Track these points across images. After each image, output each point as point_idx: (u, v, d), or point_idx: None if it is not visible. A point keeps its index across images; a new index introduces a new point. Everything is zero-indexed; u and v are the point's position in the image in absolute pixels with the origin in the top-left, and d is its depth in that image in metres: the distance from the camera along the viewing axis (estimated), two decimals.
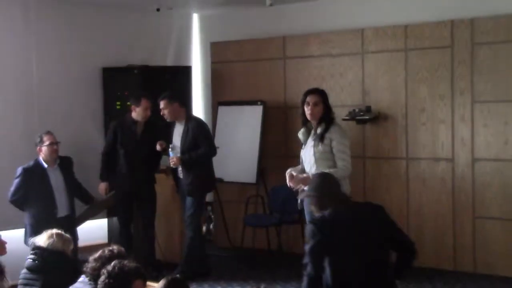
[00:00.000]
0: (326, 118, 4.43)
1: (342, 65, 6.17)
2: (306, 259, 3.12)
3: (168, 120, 5.43)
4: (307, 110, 4.41)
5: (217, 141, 6.38)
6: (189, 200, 5.41)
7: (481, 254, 5.58)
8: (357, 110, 5.94)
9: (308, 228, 3.19)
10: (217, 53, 6.87)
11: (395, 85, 5.90)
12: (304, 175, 4.21)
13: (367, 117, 5.88)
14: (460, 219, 5.63)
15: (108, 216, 6.00)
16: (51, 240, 3.52)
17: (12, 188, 4.95)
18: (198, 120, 5.55)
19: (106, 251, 2.99)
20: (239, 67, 6.74)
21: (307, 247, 3.14)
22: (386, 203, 5.44)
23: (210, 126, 6.72)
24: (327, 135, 4.37)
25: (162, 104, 5.38)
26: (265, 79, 6.59)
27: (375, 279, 3.08)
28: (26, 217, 4.97)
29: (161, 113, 5.39)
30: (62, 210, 5.02)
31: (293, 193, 4.68)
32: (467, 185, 5.60)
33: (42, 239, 3.56)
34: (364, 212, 3.27)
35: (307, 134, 4.53)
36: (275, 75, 6.54)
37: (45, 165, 5.01)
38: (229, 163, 6.39)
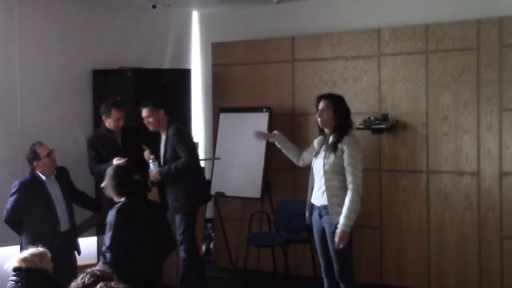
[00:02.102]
0: (340, 126, 4.39)
1: (356, 69, 6.12)
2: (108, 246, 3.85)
3: (151, 129, 5.36)
4: (317, 117, 4.46)
5: (218, 151, 6.47)
6: (177, 218, 5.34)
7: (509, 278, 5.54)
8: (372, 118, 5.91)
9: (111, 214, 3.91)
10: (219, 55, 6.82)
11: (414, 91, 5.85)
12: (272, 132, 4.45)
13: (383, 126, 5.84)
14: (486, 239, 5.59)
15: (98, 233, 5.93)
16: (29, 258, 3.50)
17: (9, 206, 4.85)
18: (176, 126, 5.37)
19: (88, 275, 2.88)
20: (243, 71, 6.69)
21: (109, 234, 3.85)
22: (404, 220, 5.84)
23: (210, 134, 6.81)
24: (340, 146, 4.35)
25: (145, 112, 5.31)
26: (272, 83, 6.55)
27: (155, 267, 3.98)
28: (23, 236, 4.88)
29: (144, 122, 5.34)
30: (64, 224, 4.98)
31: (301, 210, 4.68)
32: (494, 202, 5.55)
33: (19, 259, 3.53)
34: (152, 207, 4.13)
35: (322, 144, 4.55)
36: (283, 80, 6.49)
37: (43, 177, 4.95)
38: (231, 175, 6.38)
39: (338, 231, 4.17)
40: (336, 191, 4.33)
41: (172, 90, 6.20)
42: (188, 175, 5.25)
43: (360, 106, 6.03)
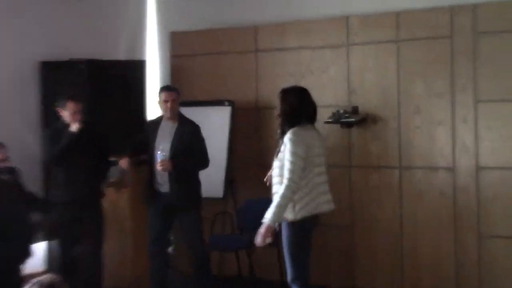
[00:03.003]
0: (285, 120, 4.37)
1: (323, 60, 6.13)
2: None
3: (167, 116, 5.40)
4: None
5: None
6: (189, 216, 5.40)
7: (487, 278, 5.55)
8: (341, 111, 5.90)
9: None
10: (178, 45, 6.81)
11: (385, 82, 5.87)
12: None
13: (353, 120, 5.85)
14: (462, 238, 5.60)
15: (47, 238, 5.79)
16: None
17: None
18: (196, 124, 5.51)
19: (35, 286, 2.82)
20: (203, 62, 6.67)
21: None
22: (376, 219, 5.87)
23: None
24: (283, 141, 4.32)
25: (174, 95, 5.38)
26: (234, 75, 6.55)
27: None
28: None
29: (164, 107, 5.39)
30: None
31: (267, 209, 4.59)
32: (471, 198, 5.57)
33: None
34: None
35: None
36: (246, 71, 6.50)
37: None
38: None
39: (261, 226, 4.19)
40: (278, 188, 4.32)
41: (127, 83, 6.12)
42: (193, 175, 5.47)
43: (328, 99, 6.00)
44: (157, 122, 5.53)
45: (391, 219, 5.86)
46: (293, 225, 4.30)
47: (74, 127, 5.17)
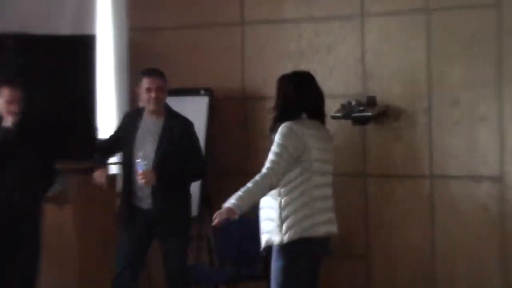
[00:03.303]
0: (278, 113, 4.29)
1: (331, 35, 5.87)
2: None
3: (151, 108, 5.22)
4: None
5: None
6: (173, 243, 5.28)
7: None
8: (353, 103, 5.63)
9: None
10: (138, 15, 6.48)
11: (412, 65, 5.64)
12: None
13: (369, 114, 5.61)
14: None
15: None
16: None
17: None
18: (187, 120, 5.31)
19: None
20: (172, 37, 6.40)
21: None
22: (400, 245, 5.73)
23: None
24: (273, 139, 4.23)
25: (159, 82, 5.24)
26: (213, 55, 6.29)
27: None
28: None
29: (152, 96, 5.20)
30: None
31: (254, 232, 4.63)
32: None
33: None
34: None
35: None
36: (229, 50, 6.24)
37: None
38: None
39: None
40: (267, 200, 4.20)
41: (72, 64, 5.87)
42: (187, 187, 5.33)
43: (336, 87, 5.77)
44: (137, 116, 5.33)
45: (419, 245, 5.66)
46: (281, 249, 4.13)
47: (9, 121, 5.13)
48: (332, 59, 5.85)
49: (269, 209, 4.18)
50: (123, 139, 5.33)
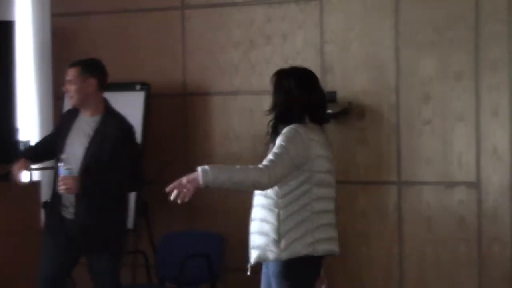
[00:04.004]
0: (280, 115, 4.08)
1: (286, 20, 5.71)
2: None
3: (72, 103, 5.05)
4: None
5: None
6: (99, 261, 5.02)
7: None
8: None
9: None
10: (63, 0, 6.25)
11: (378, 55, 5.53)
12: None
13: (329, 112, 5.04)
14: (491, 286, 5.27)
15: None
16: None
17: None
18: (124, 120, 5.07)
19: None
20: (102, 24, 6.18)
21: None
22: (363, 259, 5.60)
23: (49, 127, 6.19)
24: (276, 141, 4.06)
25: (69, 74, 5.01)
26: (150, 45, 6.10)
27: None
28: None
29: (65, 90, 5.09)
30: None
31: (200, 248, 4.89)
32: (504, 228, 5.21)
33: None
34: None
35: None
36: (168, 39, 6.06)
37: None
38: None
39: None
40: (260, 211, 4.01)
41: None
42: (121, 197, 5.09)
43: None
44: (75, 114, 5.14)
45: (386, 259, 5.49)
46: (282, 268, 3.93)
47: None
48: (287, 49, 5.67)
49: (262, 222, 4.00)
50: (57, 140, 5.14)
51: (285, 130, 4.02)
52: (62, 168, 4.81)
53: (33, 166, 5.41)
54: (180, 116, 5.98)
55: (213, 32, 5.87)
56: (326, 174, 4.11)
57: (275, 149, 4.00)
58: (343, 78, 5.58)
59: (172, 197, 3.80)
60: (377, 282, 5.56)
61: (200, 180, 3.78)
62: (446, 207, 5.31)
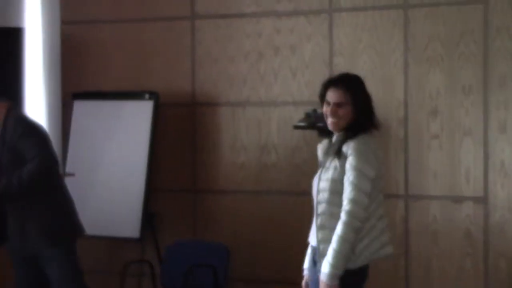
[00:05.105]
0: (353, 125, 4.07)
1: (294, 32, 5.69)
2: None
3: None
4: (326, 114, 4.18)
5: (71, 163, 6.03)
6: (50, 264, 4.90)
7: None
8: (319, 111, 5.12)
9: None
10: (72, 6, 6.23)
11: (386, 68, 5.49)
12: None
13: None
14: None
15: None
16: None
17: None
18: (20, 117, 5.02)
19: None
20: (111, 33, 6.16)
21: None
22: (370, 272, 4.94)
23: (58, 135, 6.25)
24: (345, 150, 4.02)
25: None
26: (159, 55, 6.06)
27: None
28: None
29: None
30: None
31: (206, 258, 4.89)
32: (511, 244, 5.17)
33: None
34: None
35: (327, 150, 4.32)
36: (177, 48, 6.02)
37: None
38: (92, 202, 5.88)
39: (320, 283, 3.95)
40: (329, 220, 4.01)
41: None
42: (47, 191, 4.90)
43: (299, 92, 5.63)
44: None
45: (393, 272, 5.41)
46: (348, 276, 3.95)
47: None
48: (295, 60, 5.65)
49: (332, 230, 3.97)
50: None
51: (356, 144, 4.00)
52: None
53: None
54: (188, 126, 5.96)
55: (222, 42, 5.87)
56: (383, 178, 4.17)
57: (353, 178, 3.96)
58: None
59: None
60: None
61: (334, 282, 3.82)
62: (453, 221, 5.28)
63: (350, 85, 4.16)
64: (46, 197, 4.93)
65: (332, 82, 4.17)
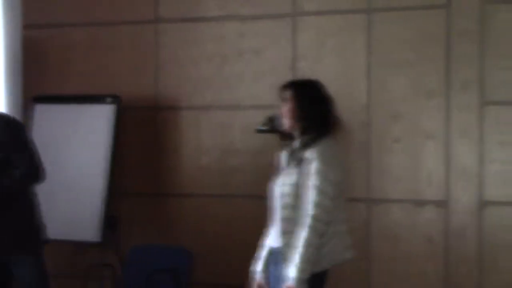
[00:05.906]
0: (309, 126, 4.08)
1: (258, 36, 5.74)
2: None
3: None
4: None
5: None
6: (23, 267, 4.88)
7: None
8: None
9: None
10: (34, 10, 6.19)
11: (349, 73, 5.54)
12: None
13: None
14: None
15: None
16: None
17: None
18: (8, 118, 4.99)
19: None
20: (74, 37, 6.16)
21: None
22: (330, 275, 5.06)
23: None
24: (308, 155, 4.00)
25: None
26: (122, 58, 6.08)
27: None
28: None
29: None
30: None
31: (168, 262, 4.92)
32: (471, 248, 5.23)
33: None
34: None
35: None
36: (140, 52, 6.05)
37: None
38: (53, 206, 5.70)
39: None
40: (293, 224, 4.01)
41: None
42: (19, 196, 4.89)
43: (263, 96, 5.63)
44: None
45: (354, 276, 5.44)
46: (311, 280, 3.95)
47: None
48: (258, 64, 5.68)
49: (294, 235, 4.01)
50: None
51: (320, 149, 4.00)
52: None
53: None
54: (151, 129, 5.98)
55: (186, 46, 5.89)
56: (344, 183, 4.18)
57: (317, 182, 3.95)
58: None
59: None
60: None
61: (301, 286, 3.82)
62: (415, 225, 5.34)
63: (297, 86, 4.19)
64: (17, 202, 4.90)
65: (284, 84, 4.22)
